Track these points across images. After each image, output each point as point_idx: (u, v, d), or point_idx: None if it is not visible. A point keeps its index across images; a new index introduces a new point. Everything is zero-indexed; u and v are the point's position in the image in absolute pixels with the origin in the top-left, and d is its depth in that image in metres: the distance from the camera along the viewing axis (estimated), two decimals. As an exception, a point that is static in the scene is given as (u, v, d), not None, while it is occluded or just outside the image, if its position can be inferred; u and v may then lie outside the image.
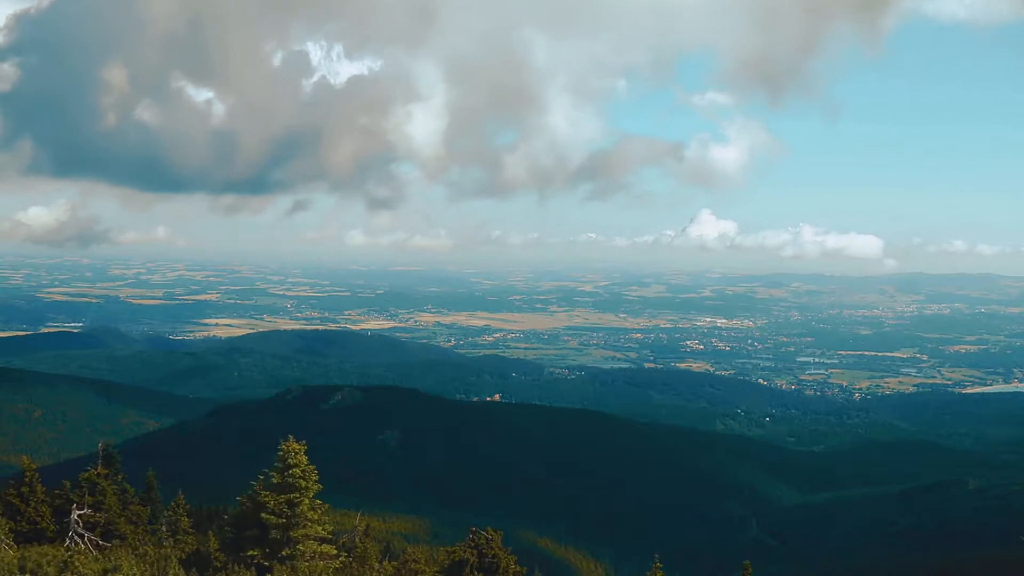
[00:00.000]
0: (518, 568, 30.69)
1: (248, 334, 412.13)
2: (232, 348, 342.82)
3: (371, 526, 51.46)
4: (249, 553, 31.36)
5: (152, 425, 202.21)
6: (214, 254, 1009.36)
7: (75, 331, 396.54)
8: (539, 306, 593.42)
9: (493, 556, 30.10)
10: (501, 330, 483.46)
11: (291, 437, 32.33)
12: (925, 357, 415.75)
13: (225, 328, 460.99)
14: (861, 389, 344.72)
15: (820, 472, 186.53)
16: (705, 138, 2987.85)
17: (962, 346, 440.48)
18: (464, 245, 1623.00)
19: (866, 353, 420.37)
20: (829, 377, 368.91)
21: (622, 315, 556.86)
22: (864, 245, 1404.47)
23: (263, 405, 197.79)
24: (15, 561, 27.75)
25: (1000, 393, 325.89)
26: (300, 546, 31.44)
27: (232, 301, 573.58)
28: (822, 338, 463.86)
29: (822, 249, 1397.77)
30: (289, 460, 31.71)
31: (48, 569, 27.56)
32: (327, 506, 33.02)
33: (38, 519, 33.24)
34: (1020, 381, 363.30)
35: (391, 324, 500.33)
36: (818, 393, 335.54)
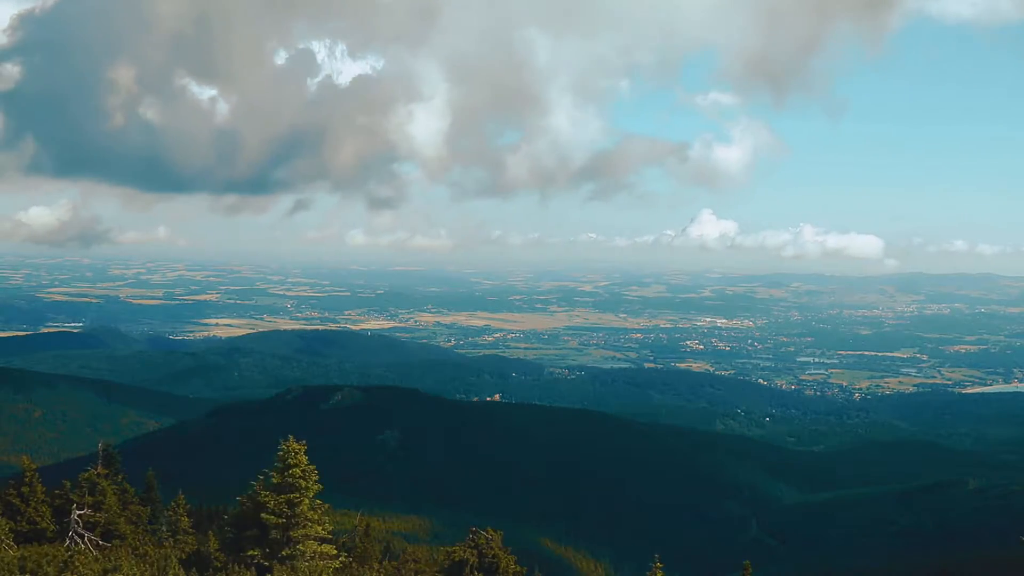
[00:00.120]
0: (518, 568, 30.69)
1: (248, 334, 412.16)
2: (232, 348, 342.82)
3: (371, 526, 51.47)
4: (249, 553, 31.37)
5: (152, 425, 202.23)
6: (214, 254, 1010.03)
7: (75, 331, 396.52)
8: (539, 306, 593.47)
9: (493, 556, 30.10)
10: (501, 330, 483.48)
11: (291, 437, 32.34)
12: (925, 357, 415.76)
13: (225, 328, 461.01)
14: (861, 389, 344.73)
15: (820, 472, 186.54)
16: (707, 138, 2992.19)
17: (962, 346, 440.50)
18: (464, 245, 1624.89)
19: (866, 353, 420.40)
20: (829, 377, 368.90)
21: (622, 315, 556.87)
22: (865, 245, 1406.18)
23: (263, 405, 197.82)
24: (15, 561, 27.76)
25: (1000, 393, 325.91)
26: (300, 546, 31.45)
27: (232, 301, 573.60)
28: (822, 338, 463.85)
29: (823, 249, 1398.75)
30: (289, 460, 31.71)
31: (48, 569, 27.56)
32: (327, 506, 33.01)
33: (38, 519, 33.24)
34: (1020, 381, 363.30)
35: (391, 324, 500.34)
36: (818, 393, 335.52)
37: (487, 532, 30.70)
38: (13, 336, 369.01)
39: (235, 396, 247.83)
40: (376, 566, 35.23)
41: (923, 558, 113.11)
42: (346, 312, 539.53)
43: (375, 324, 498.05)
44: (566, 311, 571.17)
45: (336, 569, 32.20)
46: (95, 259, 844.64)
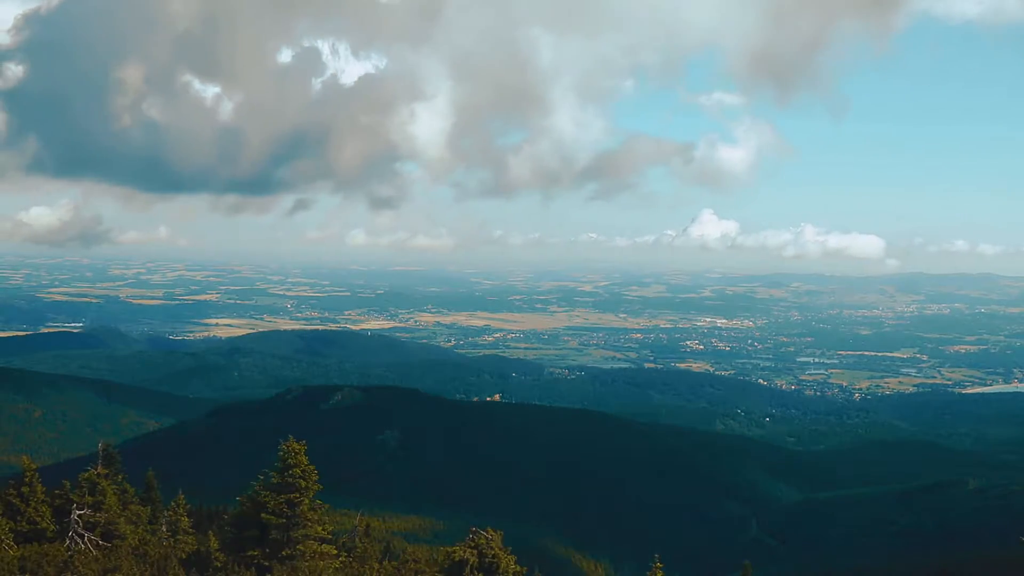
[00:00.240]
0: (518, 568, 30.67)
1: (248, 334, 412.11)
2: (232, 348, 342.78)
3: (371, 526, 51.50)
4: (249, 553, 31.40)
5: (152, 425, 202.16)
6: (214, 254, 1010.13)
7: (75, 331, 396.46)
8: (539, 306, 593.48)
9: (493, 556, 30.10)
10: (501, 330, 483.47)
11: (291, 437, 32.38)
12: (925, 357, 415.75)
13: (225, 328, 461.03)
14: (861, 389, 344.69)
15: (820, 472, 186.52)
16: (711, 138, 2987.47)
17: (962, 346, 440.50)
18: (465, 245, 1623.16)
19: (866, 353, 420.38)
20: (829, 377, 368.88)
21: (622, 315, 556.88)
22: (866, 245, 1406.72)
23: (263, 405, 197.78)
24: (15, 561, 27.77)
25: (1000, 393, 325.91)
26: (300, 546, 31.48)
27: (232, 301, 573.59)
28: (822, 338, 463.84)
29: (824, 249, 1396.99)
30: (289, 460, 31.76)
31: (48, 569, 27.58)
32: (327, 506, 33.08)
33: (38, 519, 33.22)
34: (1020, 381, 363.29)
35: (391, 324, 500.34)
36: (818, 393, 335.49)
37: (487, 532, 30.69)
38: (13, 336, 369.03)
39: (235, 396, 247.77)
40: (376, 566, 35.22)
41: (923, 558, 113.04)
42: (346, 312, 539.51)
43: (375, 324, 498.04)
44: (566, 311, 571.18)
45: (336, 569, 32.22)
46: (95, 259, 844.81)
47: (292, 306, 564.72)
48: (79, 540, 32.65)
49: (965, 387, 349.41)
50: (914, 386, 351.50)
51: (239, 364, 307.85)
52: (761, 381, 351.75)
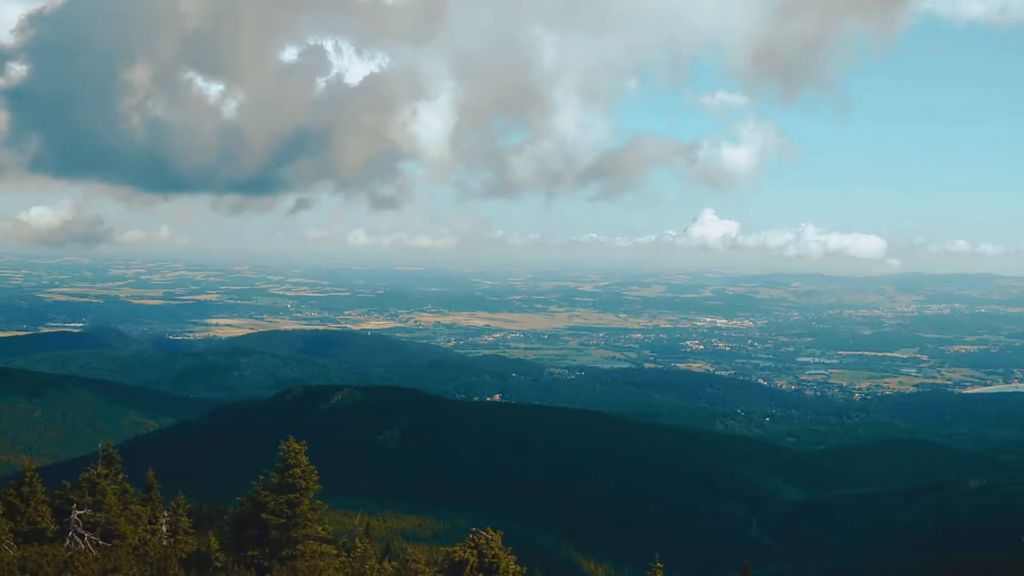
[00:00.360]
0: (518, 568, 30.65)
1: (248, 334, 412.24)
2: (232, 348, 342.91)
3: (371, 526, 51.50)
4: (249, 553, 31.39)
5: (152, 425, 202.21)
6: (214, 254, 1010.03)
7: (75, 331, 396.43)
8: (539, 306, 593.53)
9: (493, 556, 30.07)
10: (501, 330, 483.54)
11: (291, 437, 32.38)
12: (925, 357, 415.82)
13: (225, 328, 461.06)
14: (861, 389, 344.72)
15: (820, 472, 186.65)
16: (715, 139, 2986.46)
17: (962, 346, 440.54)
18: (466, 245, 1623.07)
19: (866, 353, 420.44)
20: (829, 377, 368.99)
21: (622, 315, 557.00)
22: (867, 245, 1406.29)
23: (263, 405, 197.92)
24: (15, 561, 27.77)
25: (1000, 393, 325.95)
26: (300, 546, 31.48)
27: (232, 301, 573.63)
28: (822, 338, 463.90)
29: (825, 249, 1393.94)
30: (289, 460, 31.76)
31: (48, 569, 27.58)
32: (327, 506, 33.06)
33: (38, 519, 33.22)
34: (1020, 381, 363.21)
35: (391, 324, 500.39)
36: (818, 393, 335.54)
37: (487, 532, 30.67)
38: (13, 336, 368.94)
39: (235, 396, 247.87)
40: (376, 566, 35.21)
41: (923, 558, 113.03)
42: (346, 312, 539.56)
43: (375, 324, 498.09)
44: (566, 311, 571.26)
45: (336, 569, 32.22)
46: (95, 259, 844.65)
47: (292, 306, 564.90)
48: (79, 540, 32.65)
49: (965, 387, 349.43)
50: (914, 386, 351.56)
51: (239, 364, 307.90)
52: (761, 381, 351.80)
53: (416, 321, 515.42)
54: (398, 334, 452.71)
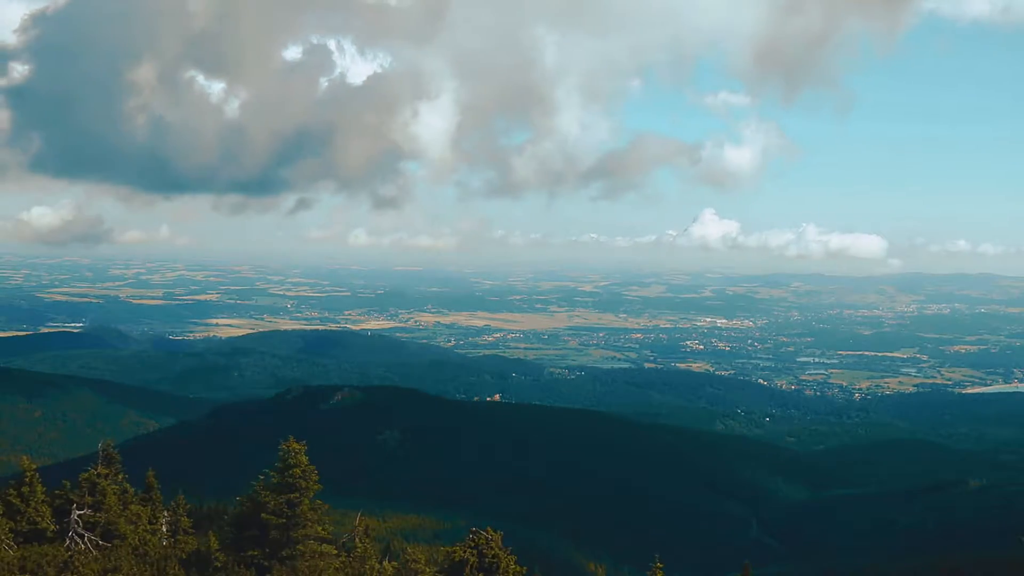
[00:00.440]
0: (518, 568, 30.67)
1: (248, 334, 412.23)
2: (232, 348, 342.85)
3: (371, 526, 51.44)
4: (249, 553, 31.39)
5: (152, 425, 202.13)
6: (214, 254, 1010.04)
7: (75, 331, 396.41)
8: (539, 306, 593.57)
9: (493, 556, 30.09)
10: (501, 330, 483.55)
11: (291, 437, 32.39)
12: (925, 357, 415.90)
13: (225, 328, 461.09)
14: (861, 389, 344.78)
15: (820, 472, 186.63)
16: (718, 139, 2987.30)
17: (962, 346, 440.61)
18: (467, 245, 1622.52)
19: (866, 353, 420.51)
20: (829, 377, 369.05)
21: (622, 315, 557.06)
22: (868, 245, 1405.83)
23: (263, 405, 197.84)
24: (15, 561, 27.77)
25: (1000, 393, 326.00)
26: (300, 546, 31.48)
27: (232, 301, 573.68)
28: (822, 338, 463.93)
29: (826, 249, 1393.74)
30: (289, 460, 31.77)
31: (48, 569, 27.58)
32: (327, 506, 33.06)
33: (38, 519, 33.22)
34: (1020, 381, 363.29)
35: (391, 324, 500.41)
36: (818, 393, 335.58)
37: (487, 532, 30.68)
38: (13, 336, 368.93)
39: (235, 396, 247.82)
40: (376, 566, 35.21)
41: (923, 558, 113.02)
42: (346, 312, 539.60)
43: (375, 324, 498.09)
44: (566, 311, 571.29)
45: (336, 569, 32.22)
46: (95, 259, 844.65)
47: (292, 306, 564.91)
48: (79, 540, 32.65)
49: (965, 387, 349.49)
50: (914, 386, 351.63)
51: (239, 364, 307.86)
52: (761, 381, 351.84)
53: (416, 321, 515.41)
54: (398, 334, 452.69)
